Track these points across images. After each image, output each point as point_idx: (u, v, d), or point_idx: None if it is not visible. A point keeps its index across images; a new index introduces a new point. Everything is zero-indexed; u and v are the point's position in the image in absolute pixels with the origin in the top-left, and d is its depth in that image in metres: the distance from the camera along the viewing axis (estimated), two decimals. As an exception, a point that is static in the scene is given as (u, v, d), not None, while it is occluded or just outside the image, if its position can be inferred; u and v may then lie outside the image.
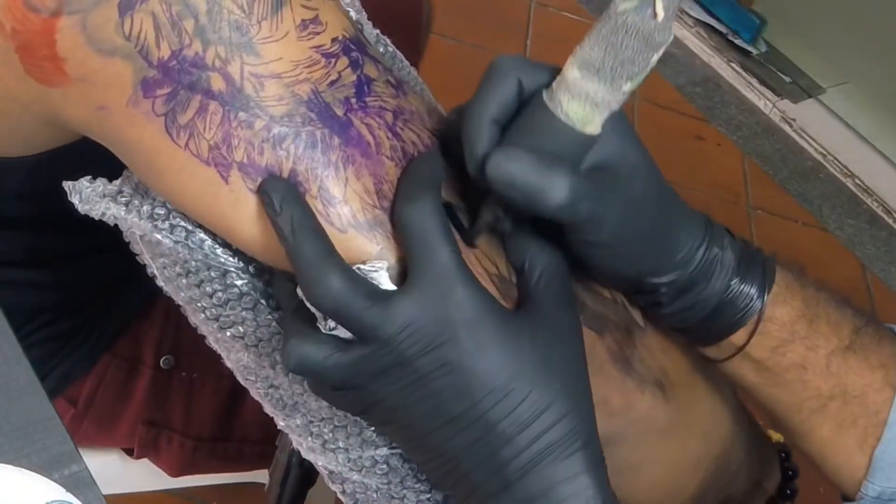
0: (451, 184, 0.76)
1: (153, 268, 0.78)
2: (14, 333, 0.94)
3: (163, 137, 0.70)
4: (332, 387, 0.72)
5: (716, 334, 0.82)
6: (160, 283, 0.79)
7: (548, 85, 0.72)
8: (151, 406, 1.21)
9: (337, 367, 0.70)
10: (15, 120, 0.77)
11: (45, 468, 0.73)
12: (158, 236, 0.75)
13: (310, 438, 0.80)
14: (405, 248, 0.71)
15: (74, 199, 0.76)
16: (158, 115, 0.69)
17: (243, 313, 0.77)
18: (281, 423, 0.82)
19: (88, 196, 0.76)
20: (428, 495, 0.81)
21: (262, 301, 0.77)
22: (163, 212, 0.75)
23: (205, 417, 1.25)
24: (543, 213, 0.71)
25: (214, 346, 0.81)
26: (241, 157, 0.70)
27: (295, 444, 0.82)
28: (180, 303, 0.79)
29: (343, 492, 0.82)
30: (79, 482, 0.74)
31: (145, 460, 1.23)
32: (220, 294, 0.77)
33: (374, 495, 0.80)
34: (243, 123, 0.69)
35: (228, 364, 0.82)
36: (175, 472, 1.25)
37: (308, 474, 1.03)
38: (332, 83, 0.71)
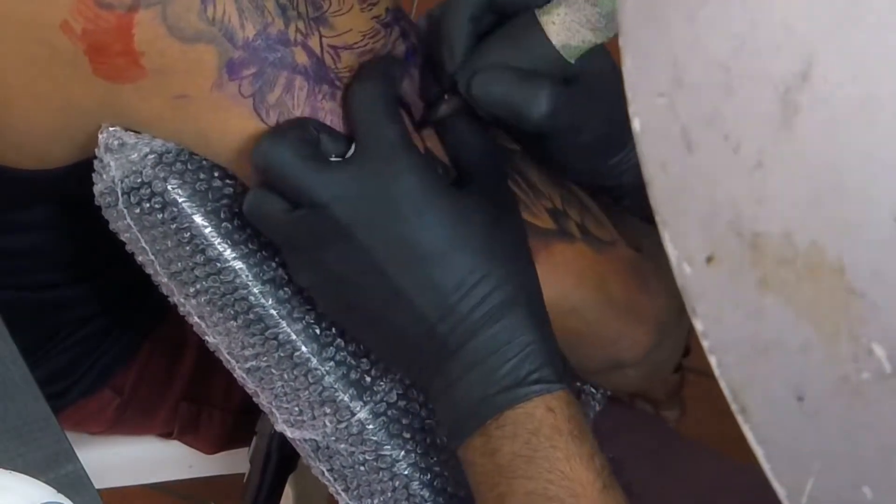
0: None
1: (142, 241, 0.76)
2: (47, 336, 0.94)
3: (251, 118, 0.71)
4: (283, 244, 0.73)
5: None
6: (150, 256, 0.77)
7: None
8: (194, 384, 1.20)
9: (281, 221, 0.70)
10: (76, 128, 0.75)
11: (40, 468, 0.71)
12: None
13: (297, 408, 0.79)
14: (352, 124, 0.71)
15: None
16: (246, 96, 0.70)
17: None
18: (264, 401, 0.80)
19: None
20: (411, 459, 0.79)
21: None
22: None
23: (243, 390, 1.23)
24: (527, 126, 0.72)
25: (199, 323, 0.79)
26: None
27: (281, 421, 0.80)
28: (165, 280, 0.78)
29: (331, 469, 0.80)
30: (74, 481, 0.72)
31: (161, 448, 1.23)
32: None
33: (362, 468, 0.79)
34: (327, 95, 0.71)
35: (211, 342, 0.80)
36: (212, 449, 1.23)
37: (288, 460, 1.01)
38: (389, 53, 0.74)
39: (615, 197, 0.80)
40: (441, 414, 0.73)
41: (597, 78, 0.74)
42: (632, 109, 0.41)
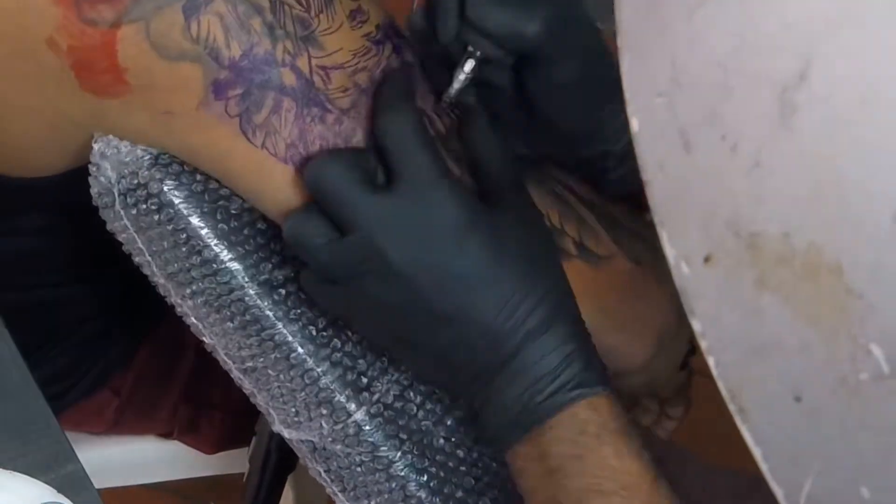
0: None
1: (139, 242, 0.76)
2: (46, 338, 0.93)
3: (237, 138, 0.70)
4: (320, 274, 0.71)
5: None
6: (147, 257, 0.76)
7: None
8: (193, 385, 1.19)
9: (322, 248, 0.70)
10: (66, 138, 0.74)
11: (40, 468, 0.70)
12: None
13: (293, 409, 0.79)
14: (387, 155, 0.70)
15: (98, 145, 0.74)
16: (232, 116, 0.69)
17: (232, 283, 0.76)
18: (261, 402, 0.80)
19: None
20: (407, 460, 0.79)
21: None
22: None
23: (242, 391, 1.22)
24: (521, 42, 0.71)
25: (196, 324, 0.79)
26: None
27: (278, 422, 0.79)
28: (162, 281, 0.77)
29: (328, 470, 0.79)
30: (74, 481, 0.71)
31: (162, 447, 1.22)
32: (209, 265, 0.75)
33: (359, 469, 0.78)
34: (316, 118, 0.70)
35: (208, 343, 0.80)
36: (212, 449, 1.23)
37: (287, 460, 1.01)
38: (384, 71, 0.73)
39: (602, 171, 0.80)
40: (485, 422, 0.73)
41: (584, 21, 0.75)
42: (630, 109, 0.41)
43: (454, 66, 0.73)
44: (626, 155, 0.77)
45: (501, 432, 0.72)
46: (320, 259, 0.70)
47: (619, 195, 0.82)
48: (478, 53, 0.72)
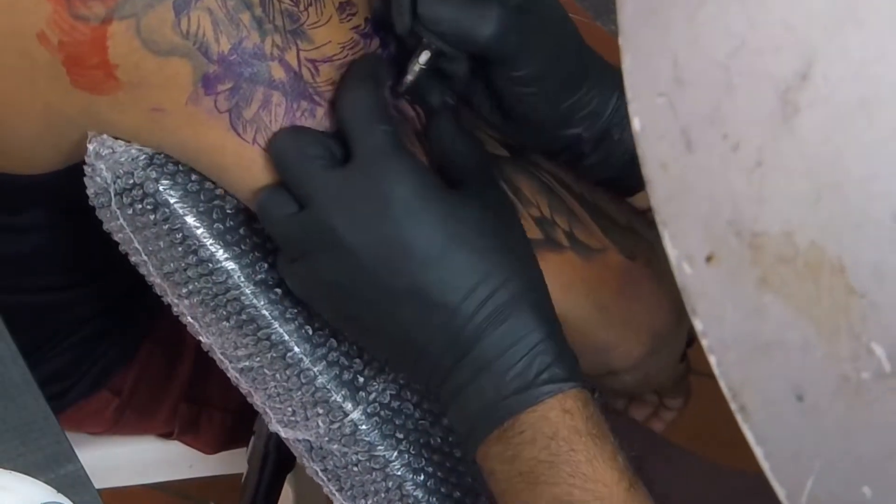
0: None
1: (135, 241, 0.75)
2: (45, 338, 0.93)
3: (227, 134, 0.69)
4: (282, 248, 0.71)
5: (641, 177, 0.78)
6: (143, 257, 0.76)
7: None
8: (193, 385, 1.19)
9: (281, 221, 0.69)
10: (59, 135, 0.74)
11: (40, 468, 0.70)
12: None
13: (290, 409, 0.78)
14: (343, 130, 0.70)
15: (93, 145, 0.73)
16: (222, 111, 0.69)
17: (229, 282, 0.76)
18: (258, 402, 0.79)
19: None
20: (404, 460, 0.78)
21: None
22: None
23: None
24: (475, 46, 0.72)
25: (193, 323, 0.78)
26: None
27: (275, 421, 0.79)
28: (158, 280, 0.77)
29: (325, 469, 0.79)
30: (74, 481, 0.70)
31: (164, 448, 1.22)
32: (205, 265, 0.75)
33: (355, 469, 0.78)
34: (306, 113, 0.70)
35: (205, 342, 0.79)
36: (212, 449, 1.23)
37: (286, 460, 1.00)
38: None
39: (578, 156, 0.79)
40: (453, 421, 0.71)
41: (548, 13, 0.75)
42: (632, 109, 0.41)
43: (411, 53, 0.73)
44: (601, 139, 0.78)
45: (467, 430, 0.70)
46: (279, 232, 0.70)
47: (598, 180, 0.82)
48: (433, 46, 0.73)
